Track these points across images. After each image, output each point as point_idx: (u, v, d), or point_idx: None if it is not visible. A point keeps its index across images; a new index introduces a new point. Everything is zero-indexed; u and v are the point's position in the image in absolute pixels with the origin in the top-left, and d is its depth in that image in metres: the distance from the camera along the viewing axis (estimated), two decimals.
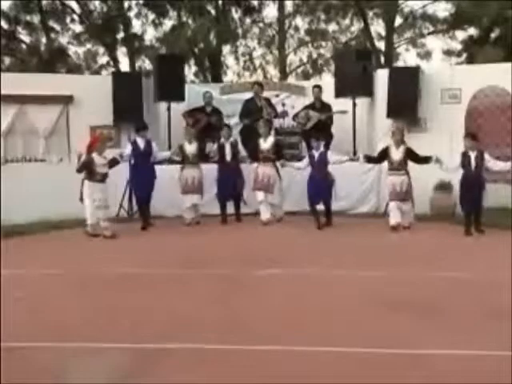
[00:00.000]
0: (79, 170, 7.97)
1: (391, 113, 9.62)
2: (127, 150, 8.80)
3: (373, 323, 4.24)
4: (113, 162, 8.29)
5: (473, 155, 7.73)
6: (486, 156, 7.80)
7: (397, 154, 8.17)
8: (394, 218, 8.13)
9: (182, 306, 4.78)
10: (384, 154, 8.36)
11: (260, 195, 8.83)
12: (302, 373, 3.41)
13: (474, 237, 7.67)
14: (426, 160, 8.17)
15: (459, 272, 5.67)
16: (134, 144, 8.78)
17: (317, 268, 5.95)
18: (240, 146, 9.37)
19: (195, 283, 5.50)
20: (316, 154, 8.59)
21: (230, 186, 9.00)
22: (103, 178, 8.01)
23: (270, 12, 21.22)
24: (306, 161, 8.74)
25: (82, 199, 7.97)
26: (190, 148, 9.02)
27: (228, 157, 9.08)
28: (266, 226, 8.68)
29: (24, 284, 5.49)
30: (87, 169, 7.92)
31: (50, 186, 8.95)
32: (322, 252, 6.94)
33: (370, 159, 8.65)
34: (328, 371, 3.42)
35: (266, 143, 8.96)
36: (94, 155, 7.97)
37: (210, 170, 9.19)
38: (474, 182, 7.72)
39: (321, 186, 8.41)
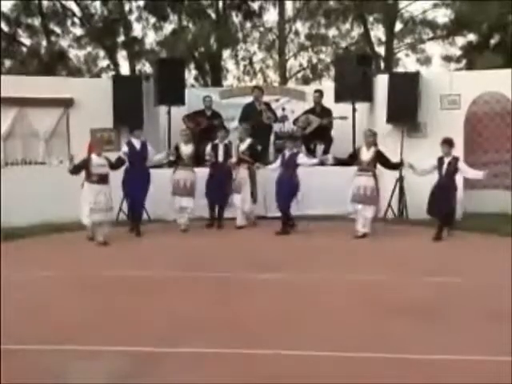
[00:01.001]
0: (72, 171, 7.75)
1: (391, 118, 9.64)
2: (121, 151, 8.71)
3: (371, 328, 4.26)
4: (118, 162, 8.23)
5: (446, 161, 7.86)
6: (460, 163, 7.89)
7: (366, 155, 8.14)
8: (360, 226, 8.08)
9: (182, 309, 4.79)
10: (354, 155, 8.36)
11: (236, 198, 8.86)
12: (301, 377, 3.42)
13: (473, 242, 7.67)
14: (396, 166, 8.32)
15: (458, 277, 5.69)
16: (129, 145, 8.68)
17: (314, 272, 5.96)
18: (234, 149, 9.20)
19: (194, 286, 5.51)
20: (287, 153, 8.55)
21: (219, 188, 8.88)
22: (101, 179, 7.76)
23: (271, 16, 21.40)
24: (278, 161, 8.72)
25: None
26: (186, 149, 8.94)
27: (220, 158, 9.00)
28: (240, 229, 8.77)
29: (24, 286, 5.49)
30: (83, 169, 7.77)
31: (50, 189, 8.95)
32: (316, 256, 6.96)
33: (339, 160, 8.58)
34: (326, 375, 3.43)
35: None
36: (93, 155, 7.89)
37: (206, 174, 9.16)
38: (443, 186, 7.81)
39: (286, 187, 8.38)
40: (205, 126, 10.16)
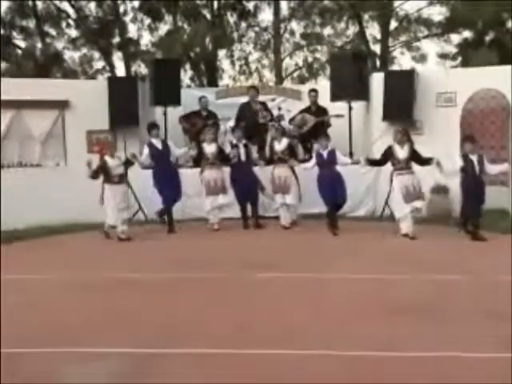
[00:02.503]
0: (94, 176, 7.95)
1: (387, 116, 9.66)
2: (144, 153, 8.69)
3: (373, 326, 4.25)
4: (127, 163, 8.30)
5: (475, 159, 7.62)
6: (485, 160, 7.72)
7: (403, 153, 7.93)
8: (407, 226, 7.83)
9: (181, 309, 4.79)
10: (387, 155, 8.06)
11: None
12: (303, 376, 3.42)
13: (467, 238, 7.67)
14: (427, 161, 8.00)
15: (459, 275, 5.70)
16: (151, 146, 8.68)
17: (316, 271, 5.96)
18: (253, 148, 9.31)
19: (194, 287, 5.51)
20: (325, 153, 8.44)
21: (247, 188, 8.90)
22: (121, 179, 8.05)
23: (266, 16, 21.32)
24: (313, 160, 8.58)
25: (102, 202, 7.99)
26: (210, 148, 8.93)
27: (242, 157, 9.03)
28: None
29: (23, 289, 5.48)
30: (103, 172, 7.96)
31: (46, 191, 8.95)
32: (320, 255, 6.95)
33: (372, 162, 8.42)
34: (328, 375, 3.43)
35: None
36: (107, 158, 8.04)
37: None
38: (476, 186, 7.61)
39: (336, 184, 8.26)
40: (201, 127, 10.13)
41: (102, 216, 8.08)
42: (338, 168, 8.47)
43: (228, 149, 9.17)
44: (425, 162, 7.98)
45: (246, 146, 9.10)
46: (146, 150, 8.71)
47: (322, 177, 8.39)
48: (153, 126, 8.84)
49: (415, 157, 7.96)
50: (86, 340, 4.07)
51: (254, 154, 9.27)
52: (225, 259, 6.75)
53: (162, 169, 8.68)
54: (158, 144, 8.71)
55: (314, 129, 10.00)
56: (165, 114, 10.29)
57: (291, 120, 10.38)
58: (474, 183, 7.63)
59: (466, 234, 7.67)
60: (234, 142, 9.17)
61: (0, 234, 8.05)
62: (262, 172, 9.14)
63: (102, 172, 7.97)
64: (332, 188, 8.26)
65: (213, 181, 8.81)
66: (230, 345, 3.91)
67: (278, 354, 3.75)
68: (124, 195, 8.08)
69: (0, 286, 5.34)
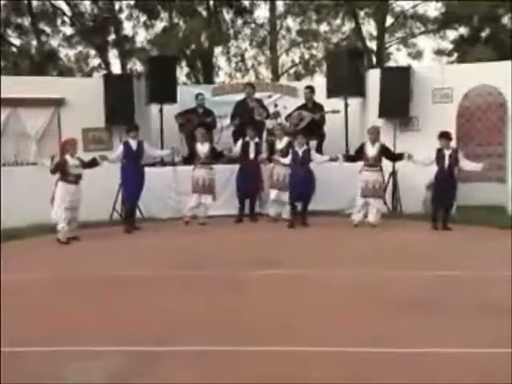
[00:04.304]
0: (53, 171, 7.90)
1: (383, 112, 9.65)
2: (118, 151, 8.76)
3: (371, 323, 4.26)
4: (92, 163, 8.26)
5: (447, 153, 7.99)
6: (460, 155, 8.06)
7: (372, 151, 8.43)
8: (357, 216, 8.41)
9: (179, 307, 4.78)
10: (359, 152, 8.60)
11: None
12: (302, 374, 3.41)
13: (466, 235, 7.71)
14: (399, 157, 8.55)
15: (458, 270, 5.71)
16: (126, 145, 8.73)
17: (314, 268, 5.97)
18: (264, 148, 9.46)
19: (192, 284, 5.50)
20: (300, 150, 8.67)
21: (250, 183, 9.15)
22: (76, 179, 7.96)
23: (262, 13, 21.38)
24: (289, 157, 8.77)
25: (53, 201, 7.87)
26: (203, 148, 9.08)
27: (252, 155, 9.21)
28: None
29: (18, 288, 5.46)
30: (60, 170, 7.88)
31: (41, 190, 8.88)
32: (318, 252, 6.96)
33: (348, 158, 8.86)
34: (326, 371, 3.43)
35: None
36: (67, 156, 7.95)
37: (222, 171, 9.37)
38: (446, 179, 7.99)
39: (304, 183, 8.52)
40: (197, 125, 10.10)
41: (95, 216, 8.07)
42: (336, 165, 8.65)
43: (238, 144, 9.38)
44: (396, 157, 8.65)
45: (257, 144, 9.27)
46: (119, 149, 8.75)
47: (294, 174, 8.69)
48: (132, 128, 8.83)
49: (386, 154, 8.52)
50: (82, 339, 4.06)
51: (264, 154, 9.38)
52: (220, 256, 6.75)
53: (131, 167, 8.71)
54: (134, 144, 8.72)
55: (309, 125, 9.99)
56: (161, 111, 10.25)
57: (288, 117, 10.36)
58: (444, 176, 8.02)
59: (432, 224, 8.02)
60: (247, 139, 9.26)
61: (0, 233, 8.03)
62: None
63: (59, 169, 7.88)
64: (299, 185, 8.56)
65: (201, 179, 8.96)
66: (228, 342, 3.90)
67: (276, 351, 3.74)
68: (75, 196, 7.91)
69: (0, 286, 5.32)
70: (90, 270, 6.21)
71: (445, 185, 7.98)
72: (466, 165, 8.14)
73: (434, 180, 8.18)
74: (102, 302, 4.97)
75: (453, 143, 8.72)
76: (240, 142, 9.39)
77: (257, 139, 9.35)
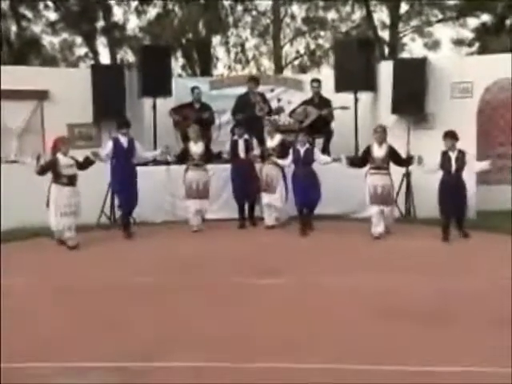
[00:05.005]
0: (40, 172, 7.82)
1: (396, 108, 9.67)
2: (107, 148, 8.70)
3: (373, 336, 4.30)
4: (86, 162, 8.21)
5: (453, 155, 7.83)
6: (468, 157, 7.88)
7: (379, 152, 8.21)
8: (378, 227, 8.18)
9: (172, 319, 4.81)
10: (366, 155, 8.35)
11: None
12: None
13: (478, 241, 7.71)
14: (407, 162, 8.39)
15: (470, 280, 5.76)
16: (116, 142, 8.68)
17: (318, 276, 6.02)
18: (254, 144, 9.37)
19: (187, 295, 5.54)
20: (301, 149, 8.63)
21: (246, 186, 9.11)
22: (71, 180, 7.90)
23: None
24: (290, 157, 8.75)
25: (48, 205, 7.89)
26: (196, 148, 9.06)
27: (242, 154, 9.19)
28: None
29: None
30: (51, 170, 7.85)
31: (23, 190, 8.93)
32: (320, 259, 7.01)
33: (352, 162, 8.55)
34: None
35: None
36: (59, 155, 7.93)
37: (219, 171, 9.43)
38: (453, 184, 7.81)
39: (306, 187, 8.48)
40: (194, 120, 10.13)
41: (80, 218, 8.08)
42: (342, 166, 8.55)
43: (227, 144, 9.35)
44: (405, 162, 8.42)
45: (246, 141, 9.22)
46: (109, 145, 8.69)
47: (296, 175, 8.68)
48: (122, 124, 8.77)
49: (394, 157, 8.26)
50: (68, 354, 4.08)
51: (256, 151, 9.30)
52: (219, 264, 6.79)
53: (122, 168, 8.67)
54: (124, 142, 8.67)
55: (315, 122, 10.02)
56: (154, 105, 10.29)
57: (292, 112, 10.40)
58: (451, 182, 7.81)
59: (443, 235, 7.81)
60: (235, 137, 9.26)
61: (0, 234, 8.10)
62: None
63: (50, 169, 7.84)
64: (303, 189, 8.52)
65: (195, 183, 8.97)
66: (227, 358, 3.93)
67: (278, 367, 3.77)
68: (71, 198, 7.86)
69: (0, 288, 5.35)
70: (78, 278, 6.25)
71: (452, 192, 7.77)
72: (474, 166, 8.00)
73: (439, 187, 7.90)
74: (91, 314, 5.01)
75: (472, 143, 8.76)
76: (228, 142, 9.38)
77: (246, 136, 9.25)
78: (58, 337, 4.45)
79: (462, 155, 7.83)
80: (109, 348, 4.18)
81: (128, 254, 7.61)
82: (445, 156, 7.87)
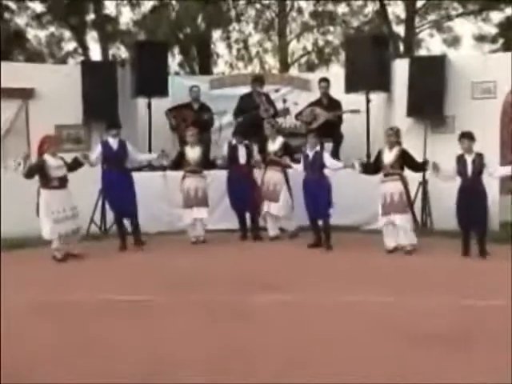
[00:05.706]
0: (27, 175, 7.76)
1: (412, 110, 9.71)
2: (95, 152, 8.71)
3: (389, 360, 4.31)
4: (74, 164, 8.20)
5: (469, 158, 7.70)
6: (487, 160, 7.71)
7: (389, 157, 8.11)
8: (390, 239, 8.14)
9: (171, 338, 4.85)
10: (377, 160, 8.30)
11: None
12: None
13: (502, 256, 7.65)
14: (422, 167, 8.28)
15: (496, 299, 5.75)
16: (106, 145, 8.69)
17: (323, 293, 6.05)
18: (255, 150, 9.39)
19: (186, 312, 5.58)
20: (311, 154, 8.58)
21: (247, 195, 9.06)
22: (61, 183, 7.90)
23: None
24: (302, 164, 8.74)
25: (38, 213, 7.86)
26: (193, 152, 9.08)
27: (242, 160, 9.18)
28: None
29: None
30: (38, 173, 7.80)
31: (6, 197, 8.97)
32: (328, 275, 7.05)
33: (367, 168, 8.45)
34: None
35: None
36: (46, 156, 7.91)
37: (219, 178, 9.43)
38: (470, 191, 7.68)
39: (316, 196, 8.41)
40: (192, 122, 10.18)
41: None
42: (354, 175, 8.58)
43: (225, 148, 9.34)
44: (419, 166, 8.26)
45: (247, 146, 9.23)
46: (97, 149, 8.71)
47: (305, 182, 8.62)
48: (112, 125, 8.79)
49: (407, 161, 8.14)
50: (56, 374, 4.12)
51: (257, 156, 9.34)
52: (220, 278, 6.83)
53: (114, 173, 8.65)
54: (114, 144, 8.66)
55: (324, 126, 10.05)
56: (149, 106, 10.35)
57: (298, 115, 10.44)
58: (467, 188, 7.70)
59: (462, 250, 7.76)
60: (234, 142, 9.28)
61: (0, 241, 8.20)
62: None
63: (37, 172, 7.80)
64: (313, 197, 8.46)
65: (193, 190, 9.00)
66: (227, 379, 3.96)
67: None
68: (63, 203, 7.85)
69: (0, 290, 5.39)
70: (70, 293, 6.28)
71: (470, 200, 7.63)
72: (496, 170, 7.85)
73: (457, 195, 7.77)
74: (83, 332, 5.05)
75: (495, 147, 8.77)
76: (226, 147, 9.35)
77: (246, 141, 9.27)
78: (47, 356, 4.48)
79: (479, 158, 7.67)
80: (105, 368, 4.21)
81: (120, 269, 7.62)
82: (460, 160, 7.76)
